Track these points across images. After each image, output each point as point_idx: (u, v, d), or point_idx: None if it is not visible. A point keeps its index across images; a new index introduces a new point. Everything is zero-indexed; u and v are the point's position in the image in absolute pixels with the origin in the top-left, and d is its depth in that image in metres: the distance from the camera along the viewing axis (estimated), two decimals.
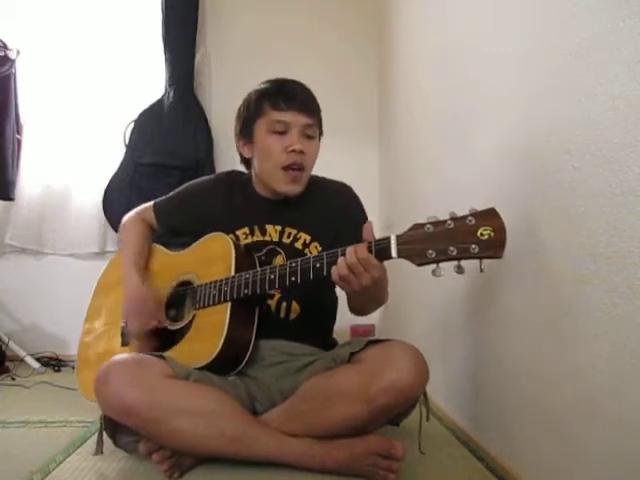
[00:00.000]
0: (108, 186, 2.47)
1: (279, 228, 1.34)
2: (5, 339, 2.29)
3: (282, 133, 1.26)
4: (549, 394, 0.96)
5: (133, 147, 2.50)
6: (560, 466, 0.93)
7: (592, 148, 0.82)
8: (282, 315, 1.29)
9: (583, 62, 0.85)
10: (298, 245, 1.32)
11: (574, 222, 0.87)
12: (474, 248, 0.90)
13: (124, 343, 1.33)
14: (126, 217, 1.49)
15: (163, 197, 1.47)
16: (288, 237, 1.33)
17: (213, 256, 1.28)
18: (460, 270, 0.92)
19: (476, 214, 0.93)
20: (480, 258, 0.91)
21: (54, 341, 2.45)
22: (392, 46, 2.41)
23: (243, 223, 1.35)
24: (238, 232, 1.34)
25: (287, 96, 1.27)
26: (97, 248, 2.55)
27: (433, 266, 0.95)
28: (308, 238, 1.33)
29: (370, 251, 1.01)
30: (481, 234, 0.90)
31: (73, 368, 2.24)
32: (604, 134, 0.79)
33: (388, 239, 0.99)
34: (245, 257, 1.26)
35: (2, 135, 2.34)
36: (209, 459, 1.14)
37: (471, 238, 0.91)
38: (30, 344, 2.37)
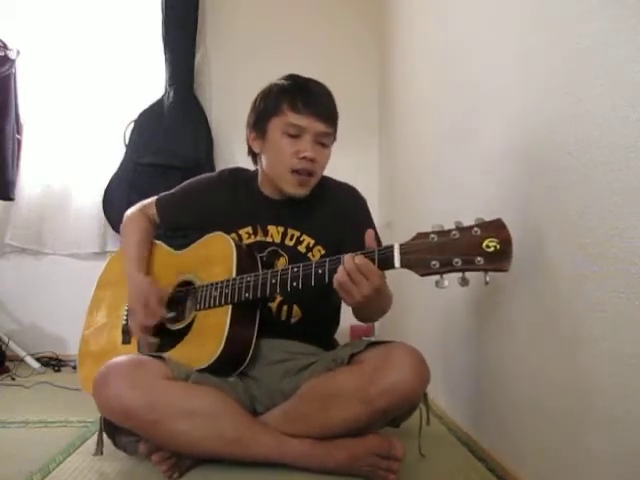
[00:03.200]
0: (108, 186, 2.47)
1: (281, 229, 1.31)
2: (5, 339, 2.29)
3: (295, 136, 1.23)
4: (549, 394, 0.96)
5: (133, 147, 2.50)
6: (560, 466, 0.93)
7: (592, 148, 0.82)
8: (283, 318, 1.27)
9: (583, 62, 0.85)
10: (301, 248, 1.30)
11: (574, 222, 0.87)
12: (479, 260, 0.87)
13: (125, 341, 1.33)
14: (129, 212, 1.47)
15: (166, 193, 1.45)
16: (291, 239, 1.31)
17: (214, 257, 1.27)
18: (464, 282, 0.90)
19: (482, 224, 0.89)
20: (485, 271, 0.88)
21: (54, 341, 2.45)
22: (392, 46, 2.41)
23: (246, 222, 1.33)
24: (241, 231, 1.32)
25: (307, 99, 1.23)
26: (97, 248, 2.55)
27: (436, 277, 0.92)
28: (312, 242, 1.30)
29: (372, 260, 0.98)
30: (487, 246, 0.87)
31: (73, 368, 2.26)
32: (604, 134, 0.79)
33: (391, 248, 0.97)
34: (247, 258, 1.25)
35: (2, 135, 2.34)
36: (209, 460, 1.13)
37: (476, 250, 0.88)
38: (30, 344, 2.37)
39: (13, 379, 2.07)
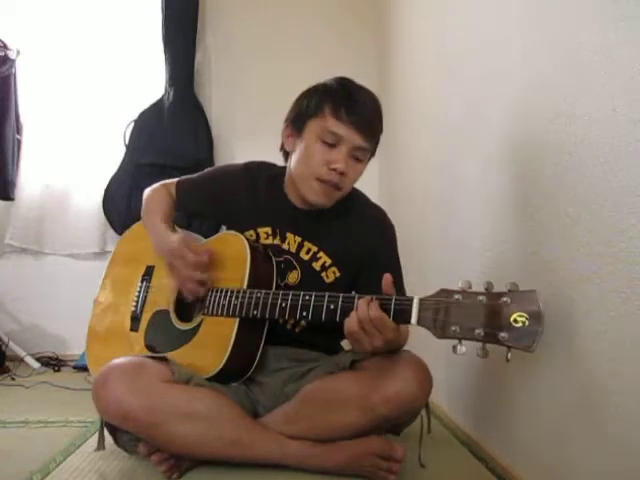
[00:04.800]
0: (108, 186, 2.47)
1: (298, 240, 1.25)
2: (5, 339, 2.29)
3: (331, 145, 1.15)
4: (549, 394, 0.96)
5: (133, 147, 2.50)
6: (560, 466, 0.93)
7: (592, 148, 0.82)
8: (289, 327, 1.25)
9: (583, 62, 0.85)
10: (316, 266, 1.24)
11: (574, 222, 0.87)
12: (504, 336, 0.81)
13: (133, 328, 1.30)
14: (150, 187, 1.41)
15: (187, 176, 1.40)
16: (307, 253, 1.25)
17: (228, 259, 1.22)
18: (484, 354, 0.83)
19: (514, 294, 0.83)
20: (508, 347, 0.82)
21: (54, 341, 2.45)
22: (392, 47, 2.41)
23: (266, 222, 1.27)
24: (260, 230, 1.27)
25: (352, 108, 1.14)
26: (97, 248, 2.54)
27: (454, 341, 0.86)
28: (328, 261, 1.24)
29: (388, 310, 0.93)
30: (515, 320, 0.81)
31: (74, 368, 2.26)
32: (604, 134, 0.79)
33: (410, 301, 0.91)
34: (262, 263, 1.20)
35: (2, 135, 2.34)
36: (208, 461, 1.13)
37: (502, 322, 0.81)
38: (30, 344, 2.37)
39: (13, 379, 2.07)
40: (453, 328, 0.85)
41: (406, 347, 1.15)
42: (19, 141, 2.47)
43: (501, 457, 1.15)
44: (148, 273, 1.35)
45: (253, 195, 1.30)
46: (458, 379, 1.47)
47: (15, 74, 2.41)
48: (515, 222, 1.10)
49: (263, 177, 1.32)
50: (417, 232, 1.87)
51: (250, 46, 2.65)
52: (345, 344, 1.38)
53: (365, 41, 2.70)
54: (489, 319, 0.83)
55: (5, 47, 2.32)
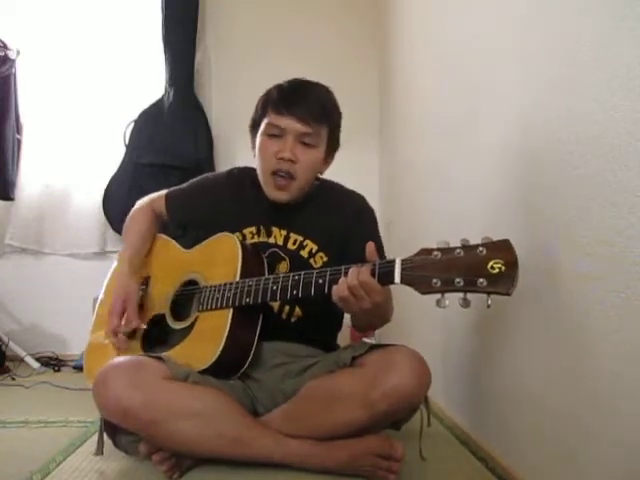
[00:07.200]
0: (108, 186, 2.47)
1: (284, 232, 1.30)
2: (5, 339, 2.29)
3: (277, 137, 1.24)
4: (549, 394, 0.96)
5: (133, 147, 2.50)
6: (560, 466, 0.93)
7: (592, 148, 0.83)
8: (284, 317, 1.27)
9: (583, 62, 0.85)
10: (304, 253, 1.29)
11: (574, 222, 0.87)
12: (482, 282, 0.84)
13: (130, 335, 1.31)
14: (138, 204, 1.47)
15: (176, 188, 1.45)
16: (294, 244, 1.30)
17: (220, 257, 1.26)
18: (466, 304, 0.87)
19: (488, 245, 0.86)
20: (488, 293, 0.85)
21: (54, 341, 2.45)
22: (393, 47, 2.41)
23: (251, 222, 1.32)
24: (245, 231, 1.32)
25: (289, 101, 1.23)
26: (97, 248, 2.55)
27: (437, 295, 0.89)
28: (315, 247, 1.29)
29: (373, 274, 0.97)
30: (492, 267, 0.84)
31: (73, 368, 2.26)
32: (604, 134, 0.79)
33: (392, 263, 0.96)
34: (253, 259, 1.24)
35: (2, 135, 2.34)
36: (209, 460, 1.13)
37: (480, 271, 0.85)
38: (30, 344, 2.37)
39: (13, 379, 2.07)
40: (434, 281, 0.89)
41: (403, 343, 1.15)
42: (19, 141, 2.47)
43: (501, 457, 1.15)
44: (144, 283, 1.38)
45: (238, 198, 1.36)
46: (457, 378, 1.47)
47: (15, 74, 2.41)
48: (515, 222, 1.10)
49: (247, 180, 1.38)
50: (417, 232, 1.87)
51: (250, 46, 2.65)
52: (341, 340, 1.40)
53: (365, 41, 2.71)
54: (467, 269, 0.86)
55: (5, 47, 2.32)
